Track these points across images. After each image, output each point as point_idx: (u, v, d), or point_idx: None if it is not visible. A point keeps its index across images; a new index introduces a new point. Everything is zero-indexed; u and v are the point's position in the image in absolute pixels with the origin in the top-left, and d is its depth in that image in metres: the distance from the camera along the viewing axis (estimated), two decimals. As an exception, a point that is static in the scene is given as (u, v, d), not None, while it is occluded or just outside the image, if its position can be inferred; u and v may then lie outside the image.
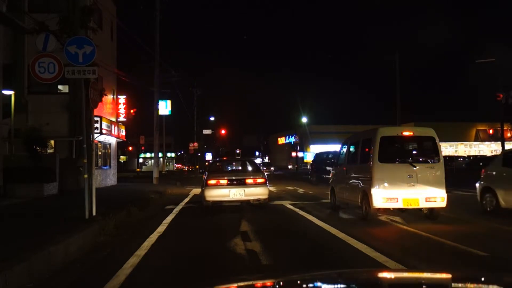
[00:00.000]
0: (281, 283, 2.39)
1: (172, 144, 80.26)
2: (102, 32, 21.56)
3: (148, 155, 70.10)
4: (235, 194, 11.07)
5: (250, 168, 13.06)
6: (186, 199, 15.27)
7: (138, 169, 48.65)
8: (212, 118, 61.39)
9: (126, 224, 8.90)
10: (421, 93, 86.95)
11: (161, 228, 8.46)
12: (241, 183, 11.21)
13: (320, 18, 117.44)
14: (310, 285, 2.38)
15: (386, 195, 8.63)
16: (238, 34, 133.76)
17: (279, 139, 76.26)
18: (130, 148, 58.94)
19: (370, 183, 8.80)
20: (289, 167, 64.22)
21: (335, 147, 57.46)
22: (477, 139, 65.47)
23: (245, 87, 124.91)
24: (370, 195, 8.71)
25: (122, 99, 24.52)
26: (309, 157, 60.93)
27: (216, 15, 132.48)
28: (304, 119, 55.88)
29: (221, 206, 11.69)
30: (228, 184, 11.16)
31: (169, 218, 9.94)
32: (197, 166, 55.88)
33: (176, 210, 11.61)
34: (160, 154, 57.27)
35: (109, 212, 9.24)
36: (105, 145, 22.65)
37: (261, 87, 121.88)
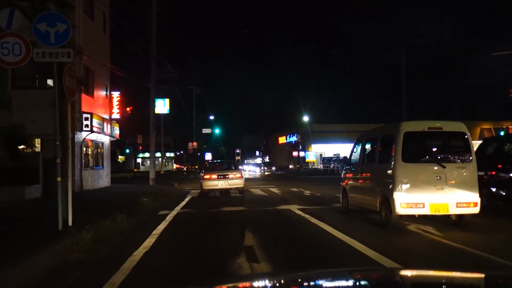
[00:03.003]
0: (282, 282, 2.30)
1: (171, 144, 79.06)
2: (94, 23, 20.21)
3: (146, 155, 68.56)
4: (221, 184, 16.10)
5: (232, 167, 18.35)
6: (183, 203, 13.88)
7: (135, 169, 47.20)
8: (211, 117, 60.12)
9: (108, 236, 7.51)
10: (424, 91, 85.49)
11: (149, 242, 7.04)
12: (225, 177, 16.19)
13: (321, 16, 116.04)
14: (312, 283, 2.24)
15: (410, 200, 7.52)
16: (237, 30, 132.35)
17: (279, 138, 74.60)
18: (127, 151, 57.57)
19: (391, 186, 7.69)
20: (290, 167, 62.73)
21: (338, 146, 56.56)
22: (481, 138, 64.36)
23: (245, 86, 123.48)
24: (392, 199, 7.61)
25: (116, 95, 23.05)
26: (310, 156, 59.59)
27: (216, 12, 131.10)
28: (306, 118, 54.50)
29: (221, 212, 11.20)
30: (217, 178, 16.18)
31: (160, 227, 8.53)
32: (196, 166, 54.49)
33: (170, 217, 10.22)
34: (158, 154, 55.94)
35: (90, 221, 7.88)
36: (97, 144, 21.23)
37: (262, 86, 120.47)
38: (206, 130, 56.22)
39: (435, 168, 7.71)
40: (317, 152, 60.29)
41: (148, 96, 24.14)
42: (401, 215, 7.76)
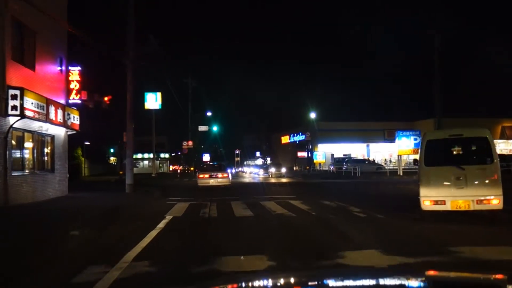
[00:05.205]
0: (284, 281, 2.26)
1: (166, 143, 72.83)
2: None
3: (139, 155, 62.43)
4: (212, 182, 20.77)
5: (223, 169, 22.73)
6: (150, 235, 7.56)
7: (120, 172, 40.85)
8: (209, 113, 54.00)
9: None
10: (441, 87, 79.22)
11: None
12: (216, 177, 21.07)
13: (325, 9, 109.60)
14: (311, 283, 2.21)
15: (432, 198, 8.42)
16: (237, 23, 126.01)
17: (282, 138, 68.23)
18: (112, 150, 51.25)
19: (419, 186, 8.66)
20: (294, 168, 56.46)
21: (348, 146, 50.44)
22: (503, 136, 58.74)
23: (246, 84, 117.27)
24: (419, 198, 8.58)
25: (75, 72, 16.68)
26: (319, 157, 53.22)
27: (218, 7, 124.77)
28: (313, 115, 48.63)
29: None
30: (209, 177, 21.05)
31: None
32: (192, 168, 48.44)
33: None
34: (151, 155, 49.81)
35: None
36: (43, 138, 14.85)
37: (263, 84, 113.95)
38: (202, 128, 50.11)
39: (455, 170, 8.39)
40: (326, 152, 54.08)
41: (138, 86, 18.00)
42: (426, 211, 8.47)
